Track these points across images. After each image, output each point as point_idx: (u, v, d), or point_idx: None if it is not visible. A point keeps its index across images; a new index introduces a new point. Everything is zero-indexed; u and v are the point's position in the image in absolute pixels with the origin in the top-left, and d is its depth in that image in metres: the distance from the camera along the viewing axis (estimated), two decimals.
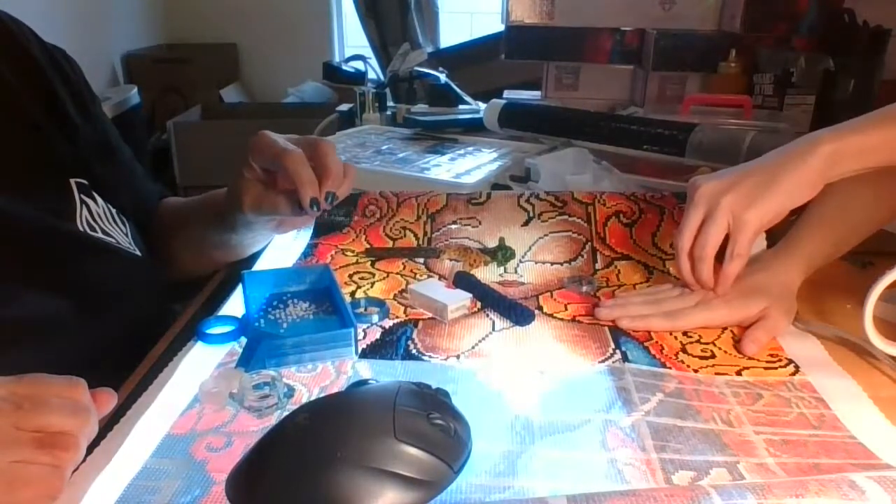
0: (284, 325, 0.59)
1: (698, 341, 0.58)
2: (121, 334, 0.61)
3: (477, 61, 2.13)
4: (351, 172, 0.62)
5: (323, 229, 0.77)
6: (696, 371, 0.54)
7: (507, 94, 1.50)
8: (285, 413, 0.44)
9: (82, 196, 0.64)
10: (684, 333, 0.59)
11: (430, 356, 0.55)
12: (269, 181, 0.63)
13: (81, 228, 0.62)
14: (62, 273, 0.59)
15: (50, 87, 0.67)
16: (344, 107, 1.46)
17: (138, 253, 0.67)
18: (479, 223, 0.76)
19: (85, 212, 0.63)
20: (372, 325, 0.60)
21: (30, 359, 0.53)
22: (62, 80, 0.69)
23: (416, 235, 0.76)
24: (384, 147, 1.11)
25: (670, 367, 0.54)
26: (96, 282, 0.61)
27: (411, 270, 0.71)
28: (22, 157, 0.62)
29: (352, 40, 3.32)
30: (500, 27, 1.43)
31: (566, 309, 0.63)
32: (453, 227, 0.76)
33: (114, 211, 0.67)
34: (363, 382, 0.47)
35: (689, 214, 0.60)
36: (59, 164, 0.64)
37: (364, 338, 0.58)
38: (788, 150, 0.58)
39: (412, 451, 0.38)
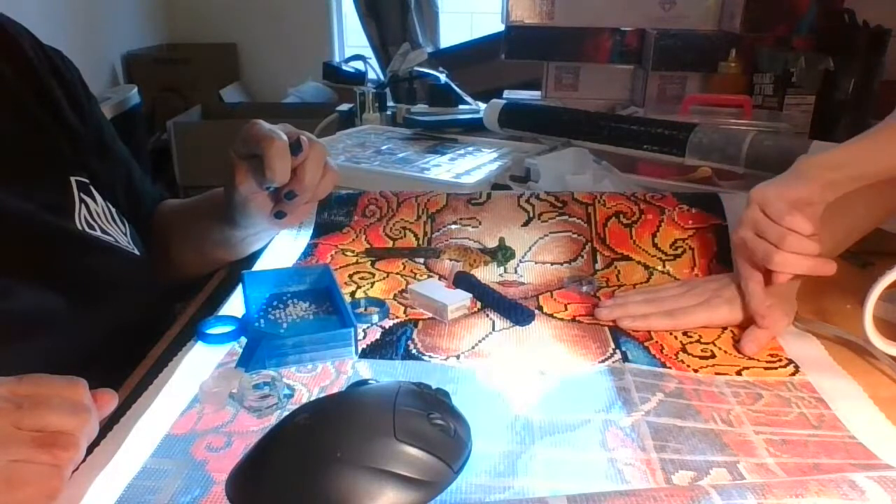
0: (284, 325, 0.59)
1: (698, 341, 0.58)
2: (119, 333, 0.60)
3: (477, 61, 2.13)
4: (331, 177, 0.63)
5: (323, 229, 0.77)
6: (696, 371, 0.54)
7: (507, 94, 1.50)
8: (285, 413, 0.44)
9: (82, 194, 0.64)
10: (684, 333, 0.59)
11: (430, 356, 0.55)
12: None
13: (80, 226, 0.62)
14: (59, 270, 0.59)
15: (45, 88, 0.66)
16: (344, 107, 1.46)
17: (137, 252, 0.67)
18: (479, 223, 0.76)
19: (84, 210, 0.63)
20: (372, 325, 0.60)
21: (25, 355, 0.53)
22: (58, 80, 0.69)
23: (416, 235, 0.76)
24: (384, 147, 1.11)
25: (670, 367, 0.54)
26: (93, 279, 0.61)
27: (411, 270, 0.71)
28: (20, 154, 0.62)
29: (352, 40, 3.33)
30: (500, 27, 1.43)
31: (566, 309, 0.63)
32: (453, 227, 0.76)
33: (114, 210, 0.67)
34: (363, 382, 0.47)
35: (736, 230, 0.60)
36: (59, 162, 0.64)
37: (364, 338, 0.58)
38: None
39: (412, 451, 0.38)
